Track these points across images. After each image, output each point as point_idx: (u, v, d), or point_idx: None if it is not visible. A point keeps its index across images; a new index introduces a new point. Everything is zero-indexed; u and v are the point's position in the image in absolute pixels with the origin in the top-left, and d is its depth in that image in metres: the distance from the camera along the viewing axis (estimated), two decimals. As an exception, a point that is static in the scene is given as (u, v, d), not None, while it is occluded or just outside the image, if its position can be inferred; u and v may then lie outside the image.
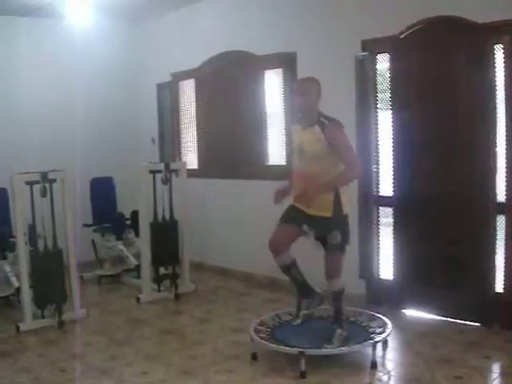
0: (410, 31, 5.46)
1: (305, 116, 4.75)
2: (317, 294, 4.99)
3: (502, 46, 4.94)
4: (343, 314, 4.84)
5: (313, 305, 4.98)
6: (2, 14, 7.41)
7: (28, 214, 5.74)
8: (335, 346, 4.56)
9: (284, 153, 6.79)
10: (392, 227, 5.91)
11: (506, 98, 4.94)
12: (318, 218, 4.65)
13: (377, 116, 5.94)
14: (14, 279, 6.33)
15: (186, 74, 8.09)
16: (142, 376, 4.59)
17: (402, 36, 5.52)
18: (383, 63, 5.85)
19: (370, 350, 4.56)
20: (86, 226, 7.47)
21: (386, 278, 6.03)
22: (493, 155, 5.08)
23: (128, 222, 7.66)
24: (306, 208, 4.67)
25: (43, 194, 5.72)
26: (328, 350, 4.53)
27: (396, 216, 5.86)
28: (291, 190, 4.88)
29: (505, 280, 5.11)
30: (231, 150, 7.44)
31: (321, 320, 5.08)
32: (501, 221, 5.12)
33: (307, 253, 4.81)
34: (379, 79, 5.91)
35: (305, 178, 4.65)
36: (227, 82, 7.47)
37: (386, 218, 6.03)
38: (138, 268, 7.17)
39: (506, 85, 4.93)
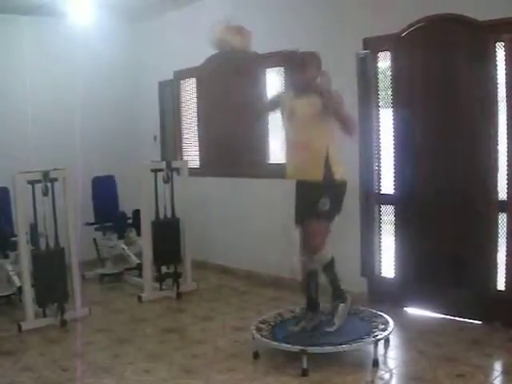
0: (412, 29, 5.45)
1: (302, 88, 4.75)
2: (319, 315, 4.97)
3: (503, 44, 4.94)
4: (339, 284, 4.83)
5: (313, 322, 4.94)
6: (3, 12, 7.41)
7: (30, 212, 5.74)
8: (337, 325, 4.55)
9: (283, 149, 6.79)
10: (393, 225, 5.91)
11: (507, 96, 4.94)
12: (309, 183, 4.66)
13: (378, 114, 5.93)
14: (15, 278, 6.33)
15: (187, 73, 8.10)
16: (144, 374, 4.59)
17: (403, 34, 5.52)
18: (385, 61, 5.85)
19: (371, 348, 4.55)
20: (87, 224, 7.47)
21: (387, 276, 6.03)
22: (494, 153, 5.08)
23: (130, 221, 7.66)
24: (299, 174, 4.71)
25: (45, 193, 5.73)
26: (330, 348, 4.52)
27: (397, 214, 5.86)
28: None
29: (506, 278, 5.10)
30: (233, 149, 7.43)
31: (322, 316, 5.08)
32: (502, 219, 5.11)
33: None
34: (381, 77, 5.92)
35: (298, 143, 4.68)
36: (229, 81, 7.46)
37: (387, 216, 6.03)
38: (139, 267, 7.17)
39: (507, 83, 4.92)
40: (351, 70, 5.93)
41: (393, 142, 5.76)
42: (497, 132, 5.05)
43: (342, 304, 4.72)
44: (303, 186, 4.76)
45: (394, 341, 4.96)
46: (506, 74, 4.92)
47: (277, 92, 5.22)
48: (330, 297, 4.90)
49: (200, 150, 8.11)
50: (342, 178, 4.71)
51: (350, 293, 5.01)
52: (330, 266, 4.79)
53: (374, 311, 5.18)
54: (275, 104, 5.06)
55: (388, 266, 6.02)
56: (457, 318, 5.40)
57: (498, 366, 4.65)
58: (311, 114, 4.62)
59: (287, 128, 4.86)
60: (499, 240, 5.15)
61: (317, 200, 4.63)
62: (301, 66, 4.74)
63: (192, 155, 8.22)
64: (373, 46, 5.82)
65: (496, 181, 5.12)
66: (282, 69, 6.84)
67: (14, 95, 7.72)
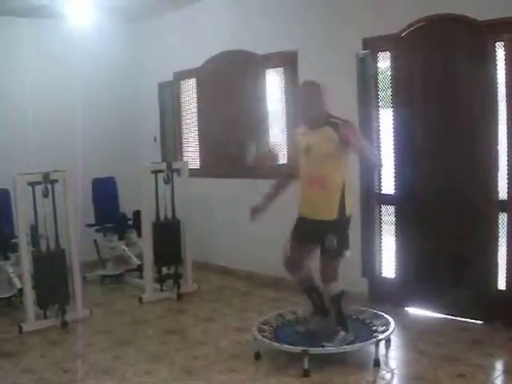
0: (412, 29, 5.45)
1: (312, 120, 4.69)
2: (327, 321, 4.95)
3: (503, 44, 4.94)
4: (345, 316, 4.82)
5: (320, 324, 4.94)
6: (2, 14, 7.40)
7: (30, 214, 5.74)
8: (334, 347, 4.56)
9: (286, 151, 6.78)
10: (394, 225, 5.91)
11: (507, 96, 4.94)
12: (321, 221, 4.63)
13: (378, 114, 5.94)
14: (16, 280, 6.32)
15: (187, 74, 8.09)
16: (145, 376, 4.59)
17: (403, 34, 5.52)
18: (384, 61, 5.85)
19: (372, 348, 4.56)
20: (88, 226, 7.47)
21: (388, 276, 6.04)
22: (494, 153, 5.08)
23: (130, 222, 7.66)
24: (313, 213, 4.67)
25: (45, 195, 5.73)
26: (331, 349, 4.52)
27: (398, 214, 5.85)
28: (269, 202, 4.96)
29: (507, 277, 5.11)
30: (233, 150, 7.42)
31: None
32: (503, 218, 5.12)
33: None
34: (380, 77, 5.92)
35: (316, 179, 4.62)
36: (229, 81, 7.46)
37: (387, 216, 6.03)
38: (140, 268, 7.16)
39: (507, 82, 4.92)
40: (351, 70, 5.93)
41: (393, 142, 5.76)
42: (497, 132, 5.05)
43: (342, 332, 4.69)
44: (316, 223, 4.68)
45: (395, 341, 4.96)
46: (506, 74, 4.92)
47: (292, 138, 5.10)
48: (332, 319, 4.88)
49: (200, 151, 8.11)
50: (350, 213, 4.69)
51: (351, 293, 5.01)
52: (338, 298, 4.76)
53: (375, 311, 5.18)
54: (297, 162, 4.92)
55: (389, 266, 6.02)
56: (458, 318, 5.39)
57: (498, 366, 4.65)
58: (328, 149, 4.54)
59: (303, 165, 4.76)
60: (500, 240, 5.15)
61: (324, 236, 4.60)
62: (307, 95, 4.67)
63: (192, 156, 8.22)
64: (372, 46, 5.82)
65: (496, 180, 5.12)
66: (282, 69, 6.83)
67: (13, 97, 7.71)
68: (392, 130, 5.76)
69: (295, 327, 4.96)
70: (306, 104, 4.69)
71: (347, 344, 4.59)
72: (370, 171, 5.50)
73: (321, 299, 4.96)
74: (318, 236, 4.66)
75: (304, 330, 4.91)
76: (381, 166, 5.16)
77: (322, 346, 4.55)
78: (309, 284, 4.94)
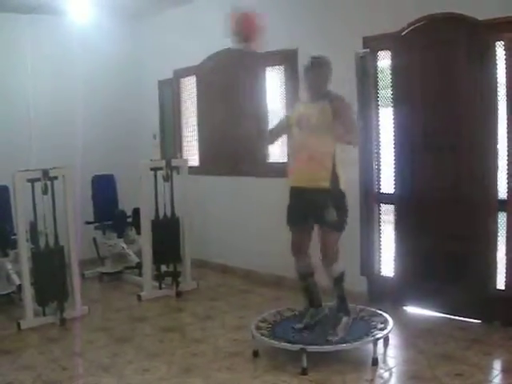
0: (411, 28, 5.45)
1: (314, 94, 4.76)
2: (322, 310, 5.00)
3: (503, 43, 4.94)
4: (346, 299, 4.85)
5: (317, 317, 4.96)
6: (3, 11, 7.40)
7: (29, 211, 5.74)
8: (339, 336, 4.57)
9: (285, 150, 6.79)
10: (393, 224, 5.91)
11: (507, 95, 4.94)
12: (316, 191, 4.62)
13: (378, 113, 5.94)
14: (15, 277, 6.33)
15: (187, 71, 8.09)
16: (143, 373, 4.59)
17: (403, 33, 5.51)
18: (384, 60, 5.84)
19: (371, 346, 4.56)
20: (87, 223, 7.47)
21: (387, 275, 6.04)
22: (494, 152, 5.08)
23: (129, 220, 7.65)
24: (305, 181, 4.68)
25: (44, 192, 5.73)
26: (329, 347, 4.53)
27: (397, 213, 5.85)
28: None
29: (506, 277, 5.11)
30: (232, 147, 7.43)
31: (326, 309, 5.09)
32: (502, 218, 5.11)
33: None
34: (380, 76, 5.91)
35: (309, 153, 4.66)
36: (228, 79, 7.46)
37: (387, 215, 6.03)
38: (139, 265, 7.17)
39: (507, 82, 4.92)
40: (351, 69, 5.93)
41: (393, 140, 5.76)
42: (497, 131, 5.05)
43: (345, 317, 4.72)
44: (307, 193, 4.69)
45: (393, 340, 4.96)
46: (506, 73, 4.92)
47: (284, 116, 5.16)
48: (334, 306, 4.91)
49: (200, 149, 8.11)
50: (344, 188, 4.72)
51: (350, 292, 5.01)
52: (340, 279, 4.79)
53: (374, 310, 5.18)
54: (283, 129, 5.06)
55: (388, 265, 6.03)
56: (456, 317, 5.40)
57: (497, 365, 4.65)
58: (322, 121, 4.60)
59: (294, 137, 4.85)
60: (499, 239, 5.15)
61: (322, 209, 4.62)
62: (317, 70, 4.74)
63: (192, 154, 8.22)
64: (372, 44, 5.82)
65: (496, 180, 5.12)
66: (282, 67, 6.83)
67: (13, 94, 7.72)
68: (392, 129, 5.75)
69: (293, 325, 4.95)
70: (315, 80, 4.76)
71: (348, 329, 4.65)
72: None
73: (316, 290, 4.98)
74: (315, 211, 4.67)
75: (302, 326, 4.91)
76: (356, 145, 5.05)
77: (327, 341, 4.57)
78: (308, 272, 4.94)
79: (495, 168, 5.10)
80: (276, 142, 5.60)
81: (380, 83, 5.92)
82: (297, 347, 4.47)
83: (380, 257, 6.09)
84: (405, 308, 5.79)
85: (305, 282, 4.99)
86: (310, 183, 4.66)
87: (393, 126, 5.74)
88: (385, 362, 4.63)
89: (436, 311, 5.57)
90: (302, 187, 4.73)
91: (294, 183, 4.84)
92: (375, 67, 5.90)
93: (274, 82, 7.03)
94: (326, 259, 4.72)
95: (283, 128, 5.08)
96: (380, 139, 5.94)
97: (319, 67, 4.75)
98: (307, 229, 4.86)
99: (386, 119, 5.85)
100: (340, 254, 4.78)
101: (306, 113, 4.75)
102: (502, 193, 5.10)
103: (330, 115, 4.55)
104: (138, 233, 7.22)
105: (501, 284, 5.16)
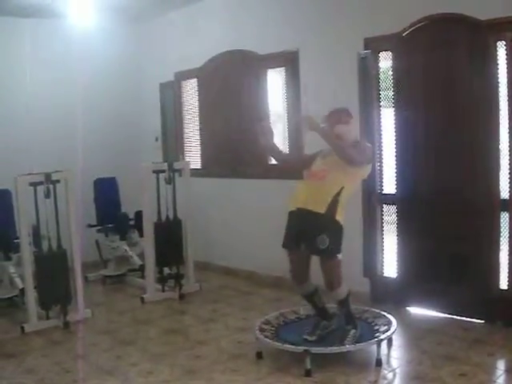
0: (413, 29, 5.45)
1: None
2: (333, 317, 4.96)
3: (504, 43, 4.94)
4: (353, 314, 4.84)
5: (330, 327, 4.93)
6: (3, 15, 7.41)
7: (32, 215, 5.75)
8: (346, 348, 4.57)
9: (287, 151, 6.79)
10: (395, 225, 5.91)
11: (508, 95, 4.94)
12: (312, 215, 4.60)
13: (380, 114, 5.93)
14: (18, 280, 6.34)
15: (188, 74, 8.10)
16: (147, 376, 4.59)
17: (404, 34, 5.52)
18: (386, 61, 5.85)
19: (374, 347, 4.56)
20: (90, 226, 7.48)
21: (390, 275, 6.03)
22: (496, 152, 5.08)
23: (132, 222, 7.66)
24: (307, 202, 4.64)
25: (47, 195, 5.74)
26: (333, 348, 4.53)
27: (399, 214, 5.85)
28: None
29: (509, 277, 5.11)
30: (234, 150, 7.44)
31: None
32: (504, 218, 5.11)
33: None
34: (382, 77, 5.91)
35: (317, 173, 4.66)
36: (230, 81, 7.47)
37: (389, 215, 6.02)
38: (142, 268, 7.18)
39: (508, 82, 4.92)
40: (352, 70, 5.93)
41: (394, 141, 5.76)
42: (498, 131, 5.05)
43: (353, 330, 4.71)
44: (304, 216, 4.66)
45: (396, 340, 4.97)
46: (508, 73, 4.92)
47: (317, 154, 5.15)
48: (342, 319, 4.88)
49: (202, 151, 8.12)
50: (341, 222, 4.64)
51: (353, 293, 5.00)
52: (345, 301, 4.77)
53: (377, 311, 5.18)
54: (308, 162, 4.95)
55: (390, 265, 6.02)
56: (459, 318, 5.40)
57: (500, 365, 4.64)
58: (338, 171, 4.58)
59: (310, 171, 4.82)
60: (501, 239, 5.15)
61: (316, 233, 4.57)
62: (346, 119, 4.71)
63: (194, 156, 8.22)
64: (374, 45, 5.82)
65: (498, 180, 5.11)
66: (283, 69, 6.83)
67: (14, 97, 7.71)
68: (393, 130, 5.76)
69: (303, 335, 4.82)
70: (344, 122, 4.70)
71: (355, 341, 4.61)
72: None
73: (323, 306, 4.95)
74: (308, 236, 4.64)
75: (316, 338, 4.79)
76: (362, 162, 4.74)
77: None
78: (312, 290, 4.90)
79: (497, 168, 5.10)
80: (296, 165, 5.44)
81: (382, 84, 5.92)
82: (300, 349, 4.47)
83: (383, 258, 6.09)
84: (408, 309, 5.78)
85: (311, 301, 4.96)
86: (310, 205, 4.61)
87: (394, 126, 5.74)
88: (388, 362, 4.63)
89: (439, 312, 5.56)
90: (300, 208, 4.70)
91: (293, 206, 4.78)
92: (377, 68, 5.90)
93: (275, 83, 7.03)
94: (329, 285, 4.68)
95: (307, 162, 4.98)
96: (382, 140, 5.93)
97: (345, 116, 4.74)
98: (303, 255, 4.78)
99: (387, 120, 5.85)
100: (343, 277, 4.72)
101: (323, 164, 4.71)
102: (505, 193, 5.09)
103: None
104: (141, 235, 7.23)
105: (504, 284, 5.16)
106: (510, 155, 4.99)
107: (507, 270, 5.11)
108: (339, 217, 4.61)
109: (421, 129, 5.56)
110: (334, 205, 4.57)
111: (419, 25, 5.41)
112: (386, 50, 5.80)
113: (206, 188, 7.73)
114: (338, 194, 4.57)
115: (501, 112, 5.02)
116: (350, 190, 4.71)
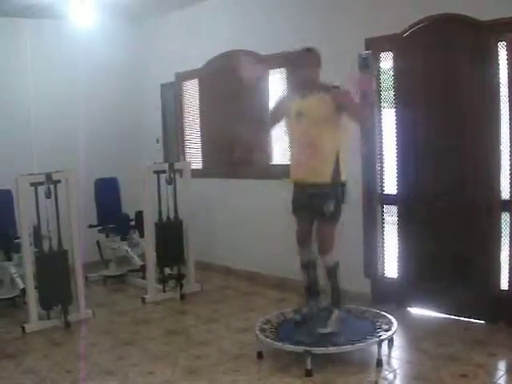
0: (414, 29, 5.45)
1: (307, 87, 4.70)
2: (320, 304, 5.00)
3: (505, 44, 4.94)
4: (340, 290, 4.84)
5: (315, 308, 4.98)
6: (4, 15, 7.41)
7: (33, 215, 5.76)
8: (330, 330, 4.58)
9: (288, 153, 6.78)
10: (396, 225, 5.90)
11: (509, 96, 4.94)
12: (316, 185, 4.62)
13: (381, 114, 5.93)
14: (19, 280, 6.33)
15: (189, 74, 8.10)
16: (148, 376, 4.60)
17: (405, 34, 5.52)
18: (387, 61, 5.85)
19: (375, 348, 4.56)
20: (90, 226, 7.48)
21: (390, 276, 6.03)
22: (497, 152, 5.08)
23: (132, 223, 7.67)
24: (306, 175, 4.66)
25: (48, 196, 5.74)
26: (334, 349, 4.52)
27: (400, 214, 5.85)
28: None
29: (510, 277, 5.10)
30: (235, 150, 7.42)
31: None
32: (505, 218, 5.12)
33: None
34: (383, 77, 5.92)
35: (309, 143, 4.62)
36: (231, 82, 7.46)
37: (390, 216, 6.02)
38: (143, 268, 7.17)
39: (509, 82, 4.92)
40: (353, 71, 5.92)
41: (395, 142, 5.76)
42: (499, 131, 5.05)
43: (336, 310, 4.73)
44: (307, 187, 4.70)
45: (397, 341, 4.97)
46: (508, 74, 4.92)
47: (278, 98, 5.12)
48: (328, 297, 4.91)
49: (203, 152, 8.12)
50: (345, 179, 4.72)
51: (354, 293, 5.01)
52: (334, 269, 4.79)
53: (378, 311, 5.18)
54: (280, 112, 4.97)
55: (391, 266, 6.02)
56: (460, 318, 5.39)
57: (501, 366, 4.64)
58: (322, 112, 4.56)
59: (295, 130, 4.80)
60: (502, 239, 5.15)
61: (323, 202, 4.62)
62: (301, 64, 4.70)
63: (194, 157, 8.23)
64: (375, 46, 5.81)
65: (499, 180, 5.11)
66: (284, 70, 6.83)
67: (16, 98, 7.73)
68: (394, 130, 5.76)
69: (293, 317, 5.00)
70: (301, 68, 4.70)
71: (339, 324, 4.67)
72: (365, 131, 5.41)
73: (316, 278, 4.98)
74: (313, 205, 4.69)
75: (299, 318, 4.93)
76: (367, 117, 4.92)
77: (320, 335, 4.61)
78: (310, 261, 4.94)
79: (498, 168, 5.10)
80: (276, 126, 5.37)
81: (382, 84, 5.92)
82: (301, 349, 4.47)
83: (383, 258, 6.08)
84: (409, 309, 5.78)
85: (306, 272, 4.98)
86: (311, 178, 4.66)
87: (395, 126, 5.74)
88: (389, 363, 4.63)
89: (440, 312, 5.56)
90: (303, 181, 4.73)
91: (295, 177, 4.82)
92: (377, 68, 5.90)
93: (276, 84, 7.02)
94: (321, 248, 4.74)
95: (279, 111, 4.99)
96: (383, 140, 5.93)
97: (310, 59, 4.72)
98: (309, 219, 4.85)
99: (388, 120, 5.85)
100: (336, 246, 4.76)
101: (306, 104, 4.66)
102: (505, 193, 5.10)
103: (331, 106, 4.52)
104: (142, 236, 7.23)
105: (504, 284, 5.16)
106: (510, 155, 4.99)
107: (508, 271, 5.11)
108: (343, 175, 4.67)
109: (422, 129, 5.56)
110: (336, 170, 4.62)
111: (420, 25, 5.41)
112: (386, 51, 5.80)
113: (206, 188, 7.73)
114: (337, 159, 4.61)
115: (501, 112, 5.02)
116: (347, 143, 4.73)
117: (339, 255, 4.83)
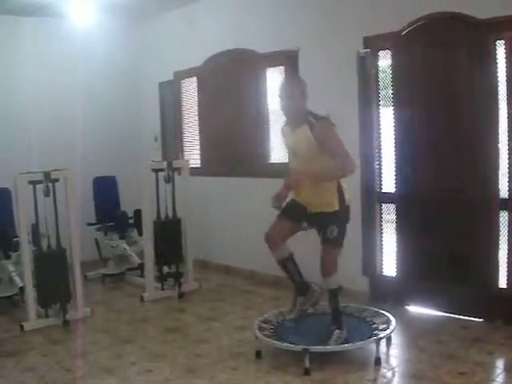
0: (412, 27, 5.46)
1: (292, 118, 4.68)
2: (313, 292, 4.99)
3: (503, 42, 4.94)
4: (341, 312, 4.82)
5: (308, 303, 4.98)
6: (3, 13, 7.41)
7: (31, 213, 5.75)
8: (330, 350, 4.57)
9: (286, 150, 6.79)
10: (395, 224, 5.91)
11: (507, 94, 4.94)
12: (320, 214, 4.63)
13: (379, 113, 5.94)
14: (17, 279, 6.33)
15: (188, 73, 8.10)
16: (146, 374, 4.60)
17: (403, 32, 5.52)
18: (385, 60, 5.85)
19: (373, 346, 4.56)
20: (89, 225, 7.48)
21: (389, 274, 6.04)
22: (495, 151, 5.08)
23: (131, 221, 7.67)
24: (314, 208, 4.66)
25: (46, 194, 5.73)
26: (332, 347, 4.53)
27: (398, 212, 5.85)
28: (287, 191, 4.80)
29: (508, 276, 5.11)
30: (234, 148, 7.44)
31: (325, 315, 5.02)
32: (504, 217, 5.12)
33: (306, 248, 4.86)
34: (381, 76, 5.92)
35: (301, 172, 4.60)
36: (229, 80, 7.47)
37: (388, 214, 6.03)
38: (141, 267, 7.17)
39: (507, 80, 4.92)
40: (352, 69, 5.93)
41: (393, 140, 5.77)
42: (498, 130, 5.06)
43: (337, 331, 4.69)
44: (311, 213, 4.71)
45: (395, 339, 4.97)
46: (507, 72, 4.92)
47: (281, 130, 5.06)
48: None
49: (201, 150, 8.13)
50: (348, 201, 4.71)
51: (352, 291, 5.01)
52: (336, 293, 4.77)
53: (376, 310, 5.18)
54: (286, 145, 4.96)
55: (389, 264, 6.03)
56: (458, 316, 5.40)
57: (499, 364, 4.64)
58: (311, 150, 4.52)
59: (293, 163, 4.81)
60: (500, 238, 5.16)
61: (324, 226, 4.62)
62: (282, 95, 4.63)
63: (193, 155, 8.22)
64: (373, 44, 5.82)
65: (497, 179, 5.12)
66: (282, 68, 6.83)
67: (14, 96, 7.73)
68: (393, 129, 5.76)
69: (286, 323, 4.96)
70: (286, 104, 4.63)
71: (342, 342, 4.59)
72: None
73: (299, 274, 4.94)
74: (316, 227, 4.70)
75: (292, 318, 4.93)
76: (352, 172, 4.58)
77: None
78: (287, 256, 4.90)
79: (496, 167, 5.10)
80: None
81: (381, 83, 5.92)
82: (299, 348, 4.47)
83: (382, 256, 6.09)
84: (407, 307, 5.79)
85: (285, 268, 4.95)
86: (316, 208, 4.66)
87: (394, 125, 5.75)
88: (388, 361, 4.63)
89: (438, 310, 5.57)
90: (306, 207, 4.73)
91: (299, 199, 4.79)
92: (376, 67, 5.90)
93: (274, 82, 7.02)
94: (324, 271, 4.70)
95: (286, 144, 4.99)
96: (381, 139, 5.94)
97: (290, 90, 4.64)
98: (293, 227, 4.82)
99: (387, 119, 5.85)
100: (339, 266, 4.73)
101: (295, 142, 4.67)
102: (504, 192, 5.10)
103: (315, 144, 4.48)
104: (140, 234, 7.23)
105: (503, 283, 5.17)
106: (509, 154, 5.00)
107: (506, 269, 5.12)
108: (347, 196, 4.67)
109: (420, 127, 5.56)
110: (341, 197, 4.63)
111: (418, 23, 5.41)
112: (385, 49, 5.80)
113: (205, 187, 7.73)
114: (339, 185, 4.62)
115: (500, 110, 5.03)
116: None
117: (342, 280, 4.80)
